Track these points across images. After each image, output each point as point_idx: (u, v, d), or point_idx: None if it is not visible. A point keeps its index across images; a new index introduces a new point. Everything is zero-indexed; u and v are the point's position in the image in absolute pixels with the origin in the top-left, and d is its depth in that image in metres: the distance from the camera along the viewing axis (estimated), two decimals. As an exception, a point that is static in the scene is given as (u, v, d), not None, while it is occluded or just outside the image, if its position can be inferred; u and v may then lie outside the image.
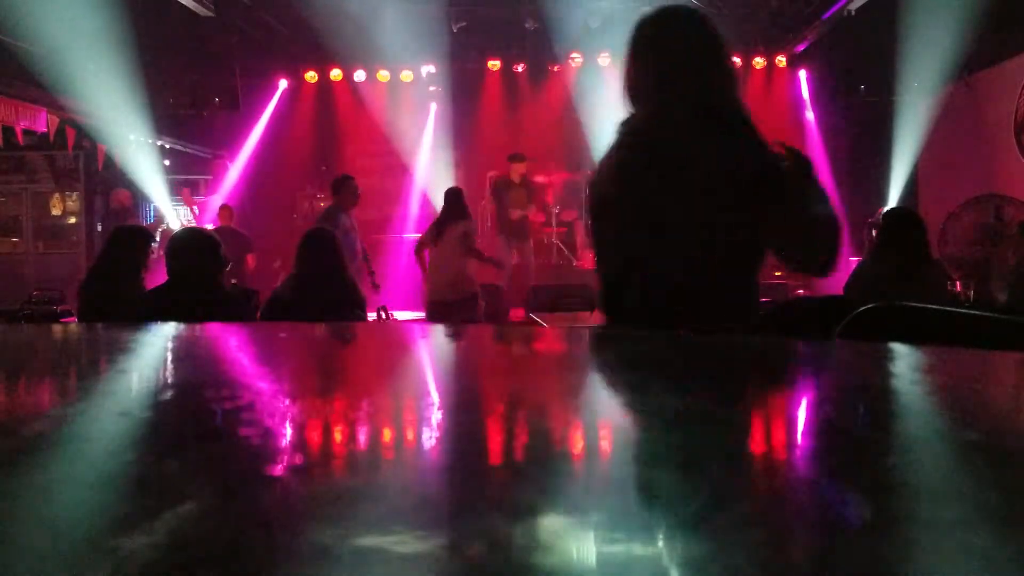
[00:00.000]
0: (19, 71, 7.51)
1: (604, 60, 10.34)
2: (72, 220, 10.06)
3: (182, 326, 1.32)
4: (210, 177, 10.70)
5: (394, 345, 1.24)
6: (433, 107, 10.81)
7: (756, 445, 0.53)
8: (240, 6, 9.28)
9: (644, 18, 1.78)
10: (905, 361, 0.91)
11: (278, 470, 0.43)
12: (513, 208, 8.15)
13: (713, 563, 0.29)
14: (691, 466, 0.46)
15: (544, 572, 0.28)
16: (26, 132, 8.21)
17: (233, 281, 6.29)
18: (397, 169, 10.59)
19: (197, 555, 0.30)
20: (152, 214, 10.31)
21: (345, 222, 5.91)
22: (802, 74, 10.50)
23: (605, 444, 0.52)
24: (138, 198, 10.01)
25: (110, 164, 9.59)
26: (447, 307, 5.77)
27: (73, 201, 10.03)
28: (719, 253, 1.69)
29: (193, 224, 9.28)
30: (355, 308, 3.71)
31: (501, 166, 8.85)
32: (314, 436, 0.54)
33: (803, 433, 0.56)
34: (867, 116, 9.72)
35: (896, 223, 3.92)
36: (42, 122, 8.32)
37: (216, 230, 6.86)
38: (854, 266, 4.29)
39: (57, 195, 10.02)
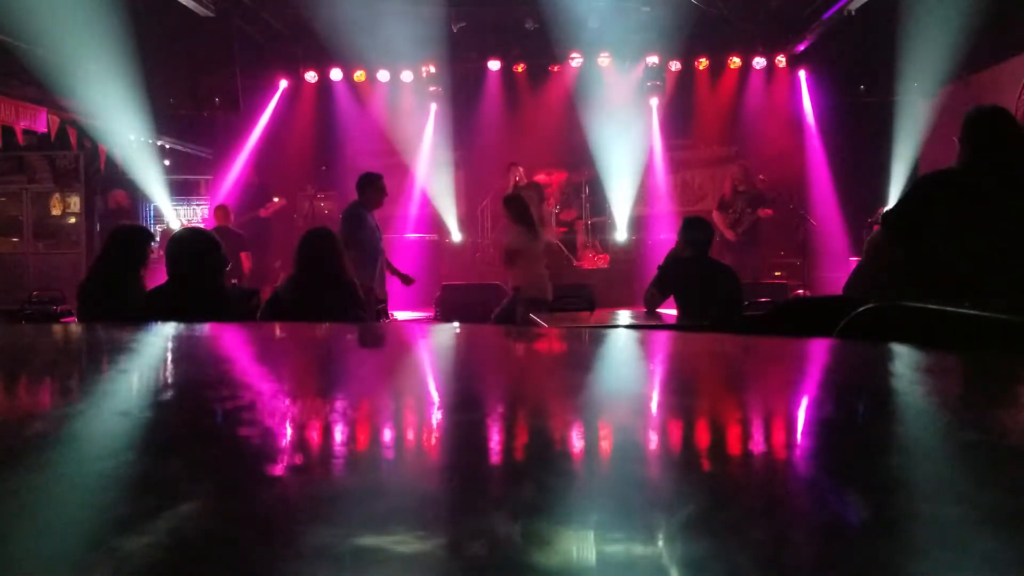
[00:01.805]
0: (19, 71, 7.50)
1: (604, 60, 10.33)
2: (72, 220, 10.05)
3: (182, 326, 1.32)
4: (210, 177, 10.69)
5: (394, 345, 1.24)
6: (433, 107, 10.80)
7: (756, 445, 0.53)
8: (240, 6, 9.28)
9: (979, 111, 3.03)
10: (905, 361, 0.91)
11: (278, 470, 0.43)
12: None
13: (713, 563, 0.29)
14: (691, 466, 0.46)
15: (544, 572, 0.28)
16: (26, 132, 8.21)
17: (234, 281, 6.27)
18: (397, 169, 10.58)
19: (197, 555, 0.30)
20: (152, 214, 10.31)
21: (370, 221, 5.87)
22: (802, 74, 10.50)
23: (605, 443, 0.52)
24: (138, 198, 10.01)
25: (112, 164, 9.58)
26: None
27: (73, 201, 10.02)
28: None
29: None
30: (355, 308, 3.71)
31: (501, 167, 8.87)
32: (314, 436, 0.54)
33: (803, 433, 0.56)
34: (867, 116, 9.72)
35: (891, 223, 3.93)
36: (42, 122, 8.32)
37: (212, 230, 6.82)
38: (854, 266, 4.29)
39: (57, 195, 10.01)
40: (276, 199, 9.80)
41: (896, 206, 3.13)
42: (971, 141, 2.92)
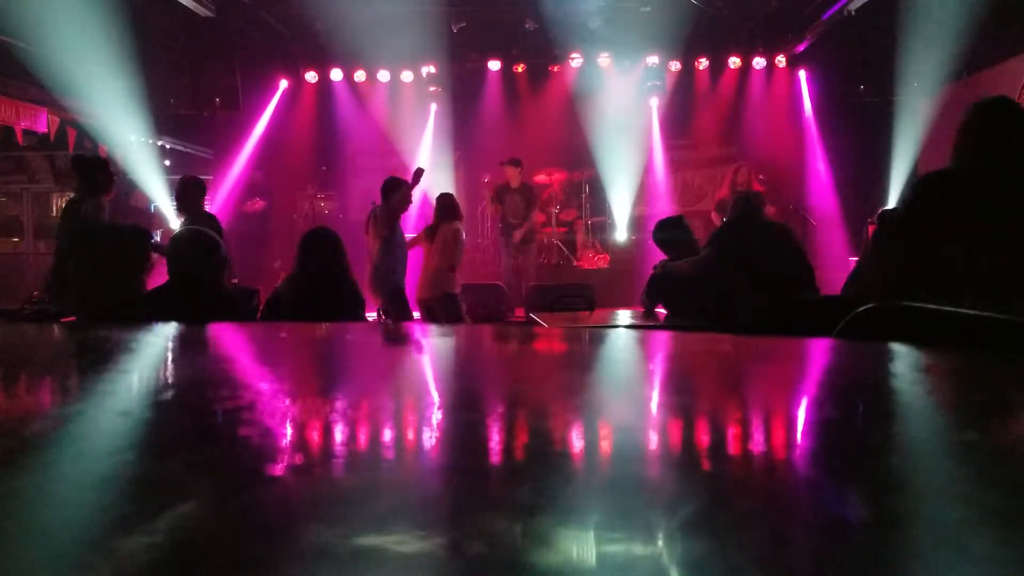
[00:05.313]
0: (19, 71, 7.50)
1: (604, 60, 10.33)
2: (72, 220, 10.04)
3: (182, 326, 1.32)
4: (211, 177, 10.68)
5: (393, 345, 1.24)
6: (433, 107, 10.79)
7: (756, 445, 0.53)
8: (240, 6, 9.28)
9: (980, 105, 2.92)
10: (905, 361, 0.91)
11: (278, 470, 0.43)
12: (512, 217, 8.26)
13: (713, 563, 0.29)
14: (691, 466, 0.46)
15: (544, 572, 0.28)
16: (26, 132, 8.21)
17: (235, 280, 6.25)
18: (397, 169, 10.52)
19: (197, 555, 0.30)
20: (152, 214, 10.31)
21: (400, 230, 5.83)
22: (802, 74, 10.50)
23: (605, 443, 0.52)
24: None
25: (112, 164, 9.58)
26: (424, 304, 5.87)
27: (73, 201, 10.01)
28: None
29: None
30: (355, 308, 3.71)
31: (499, 167, 8.86)
32: (314, 436, 0.54)
33: (803, 433, 0.56)
34: (867, 116, 9.72)
35: (893, 224, 3.93)
36: (42, 122, 8.31)
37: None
38: (853, 266, 4.29)
39: (57, 195, 10.01)
40: (258, 199, 9.70)
41: (898, 207, 3.31)
42: (972, 137, 2.86)
